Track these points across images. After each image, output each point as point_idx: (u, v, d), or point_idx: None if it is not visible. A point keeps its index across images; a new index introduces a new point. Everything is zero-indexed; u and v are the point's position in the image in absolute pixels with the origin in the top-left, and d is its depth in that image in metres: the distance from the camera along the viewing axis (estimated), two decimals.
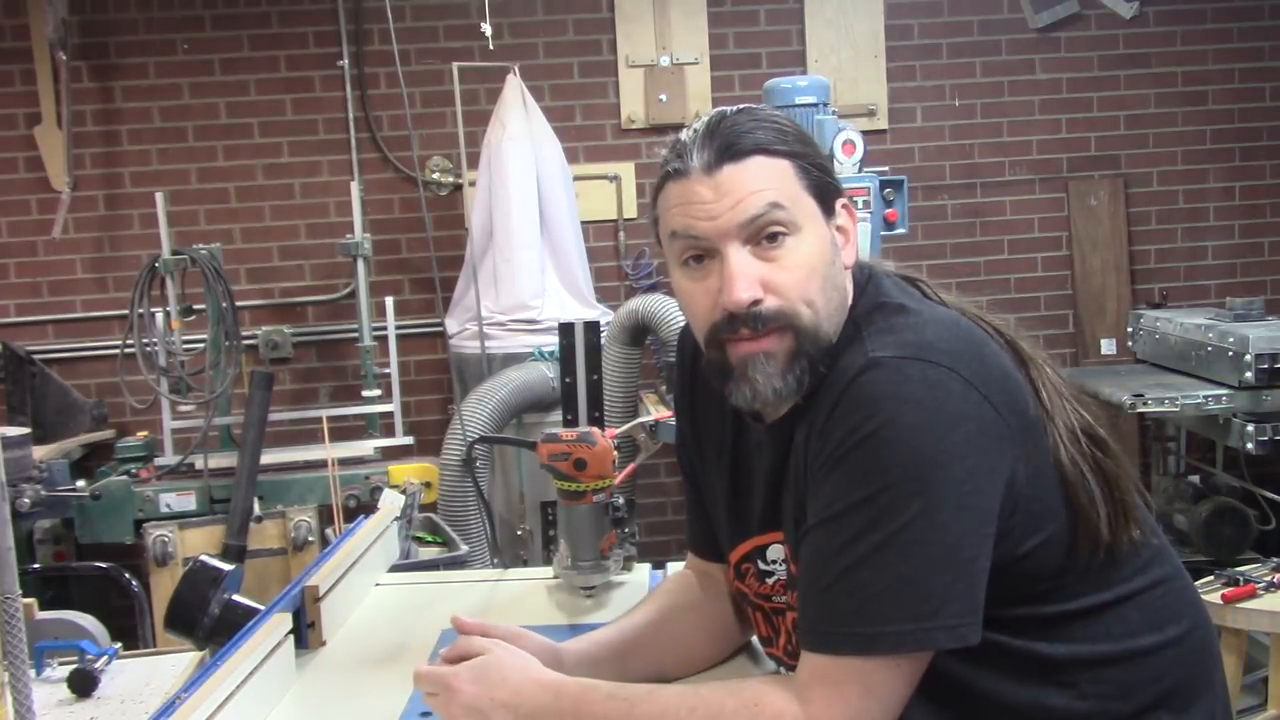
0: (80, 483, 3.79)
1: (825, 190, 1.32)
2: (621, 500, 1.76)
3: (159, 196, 4.01)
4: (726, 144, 1.28)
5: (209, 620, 1.68)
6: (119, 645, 2.10)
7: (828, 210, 1.33)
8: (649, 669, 1.49)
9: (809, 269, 1.28)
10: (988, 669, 1.26)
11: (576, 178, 4.45)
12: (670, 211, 1.31)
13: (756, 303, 1.27)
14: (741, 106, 1.34)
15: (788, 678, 1.27)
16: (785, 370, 1.28)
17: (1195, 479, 4.35)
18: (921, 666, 1.21)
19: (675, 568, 1.93)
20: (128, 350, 3.90)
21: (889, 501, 1.17)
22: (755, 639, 1.55)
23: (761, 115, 1.33)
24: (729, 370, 1.31)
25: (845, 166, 3.66)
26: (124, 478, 3.85)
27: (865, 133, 3.88)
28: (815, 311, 1.28)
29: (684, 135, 1.32)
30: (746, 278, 1.26)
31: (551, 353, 3.83)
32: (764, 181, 1.27)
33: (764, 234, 1.28)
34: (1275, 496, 4.03)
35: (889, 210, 3.80)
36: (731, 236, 1.27)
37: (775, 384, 1.29)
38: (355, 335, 4.27)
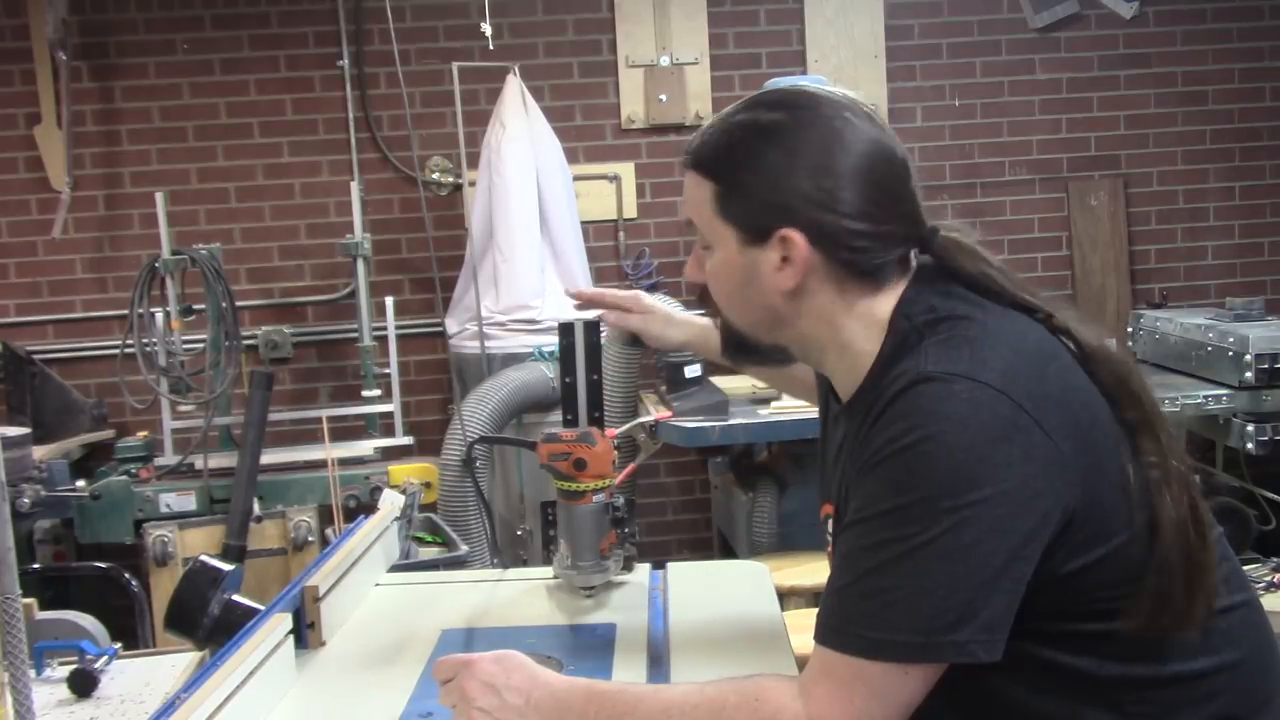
0: (80, 483, 3.78)
1: (753, 220, 1.34)
2: (621, 500, 1.76)
3: (159, 196, 4.01)
4: (685, 150, 1.42)
5: (209, 620, 1.67)
6: (119, 645, 2.09)
7: (754, 239, 1.34)
8: None
9: (717, 281, 1.41)
10: (1025, 682, 1.25)
11: (576, 178, 4.44)
12: None
13: (703, 284, 1.43)
14: (722, 114, 1.42)
15: (793, 675, 1.28)
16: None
17: (1195, 479, 4.33)
18: (934, 675, 1.21)
19: (675, 567, 1.94)
20: (128, 350, 3.89)
21: (918, 514, 1.18)
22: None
23: (720, 128, 1.39)
24: None
25: None
26: (124, 478, 3.84)
27: None
28: (733, 319, 1.43)
29: None
30: (691, 262, 1.45)
31: (551, 353, 3.83)
32: (687, 196, 1.41)
33: None
34: (1275, 496, 4.02)
35: None
36: None
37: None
38: (355, 335, 4.27)
